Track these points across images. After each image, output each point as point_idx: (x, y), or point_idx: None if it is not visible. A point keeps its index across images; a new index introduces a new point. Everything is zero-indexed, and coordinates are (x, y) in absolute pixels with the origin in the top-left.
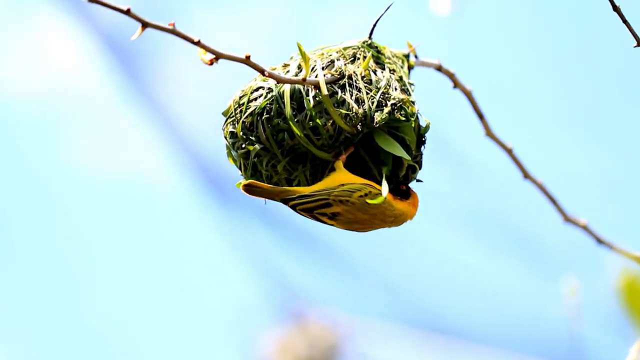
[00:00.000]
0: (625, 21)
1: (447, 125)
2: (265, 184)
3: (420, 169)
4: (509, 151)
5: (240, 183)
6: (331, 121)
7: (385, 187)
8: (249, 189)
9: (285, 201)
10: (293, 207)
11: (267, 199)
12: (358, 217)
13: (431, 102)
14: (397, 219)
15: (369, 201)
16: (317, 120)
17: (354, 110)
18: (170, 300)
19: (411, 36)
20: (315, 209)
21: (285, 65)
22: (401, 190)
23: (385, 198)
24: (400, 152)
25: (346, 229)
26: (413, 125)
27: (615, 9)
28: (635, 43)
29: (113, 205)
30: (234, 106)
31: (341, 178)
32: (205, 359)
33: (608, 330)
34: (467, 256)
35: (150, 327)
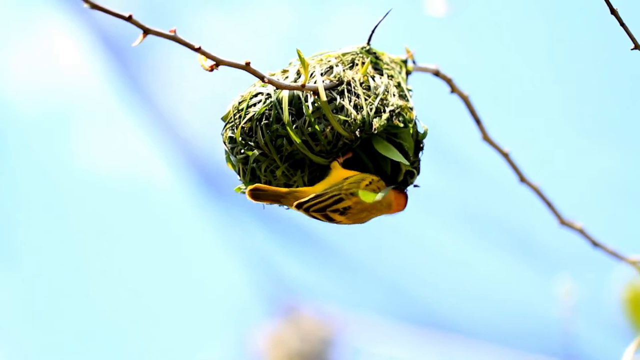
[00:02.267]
0: (622, 24)
1: (445, 128)
2: (271, 187)
3: (418, 174)
4: (506, 155)
5: (239, 188)
6: (329, 127)
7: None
8: (255, 193)
9: (299, 205)
10: (306, 210)
11: (271, 203)
12: (366, 205)
13: (429, 106)
14: (391, 205)
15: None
16: (316, 127)
17: (353, 117)
18: (165, 294)
19: (409, 41)
20: (328, 207)
21: (284, 71)
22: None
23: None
24: (398, 157)
25: (352, 223)
26: (411, 131)
27: (613, 11)
28: (632, 46)
29: (113, 202)
30: (233, 112)
31: (342, 174)
32: (199, 353)
33: (602, 329)
34: (462, 253)
35: (144, 320)
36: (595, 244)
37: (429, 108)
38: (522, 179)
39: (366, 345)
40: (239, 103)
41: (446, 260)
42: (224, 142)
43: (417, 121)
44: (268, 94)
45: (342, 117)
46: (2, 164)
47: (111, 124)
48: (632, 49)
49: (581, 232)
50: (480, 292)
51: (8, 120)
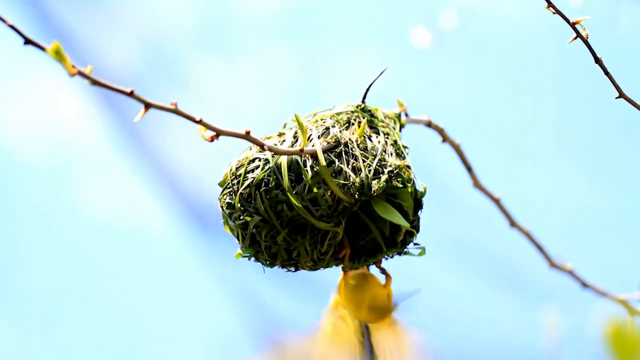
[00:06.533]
0: (607, 73)
1: (438, 174)
2: None
3: (417, 232)
4: (496, 201)
5: (239, 254)
6: (329, 191)
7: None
8: None
9: None
10: None
11: None
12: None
13: (421, 154)
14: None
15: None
16: (315, 191)
17: (352, 180)
18: (153, 327)
19: (399, 89)
20: None
21: (281, 134)
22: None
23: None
24: (398, 219)
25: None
26: (410, 190)
27: (597, 60)
28: (616, 94)
29: (111, 245)
30: (230, 177)
31: None
32: None
33: None
34: (448, 284)
35: (135, 353)
36: (584, 284)
37: (422, 155)
38: (513, 224)
39: None
40: (237, 168)
41: (433, 291)
42: (222, 207)
43: (415, 179)
44: (266, 160)
45: (341, 181)
46: (2, 211)
47: (110, 172)
48: (616, 98)
49: (571, 273)
50: (468, 324)
51: (8, 169)
